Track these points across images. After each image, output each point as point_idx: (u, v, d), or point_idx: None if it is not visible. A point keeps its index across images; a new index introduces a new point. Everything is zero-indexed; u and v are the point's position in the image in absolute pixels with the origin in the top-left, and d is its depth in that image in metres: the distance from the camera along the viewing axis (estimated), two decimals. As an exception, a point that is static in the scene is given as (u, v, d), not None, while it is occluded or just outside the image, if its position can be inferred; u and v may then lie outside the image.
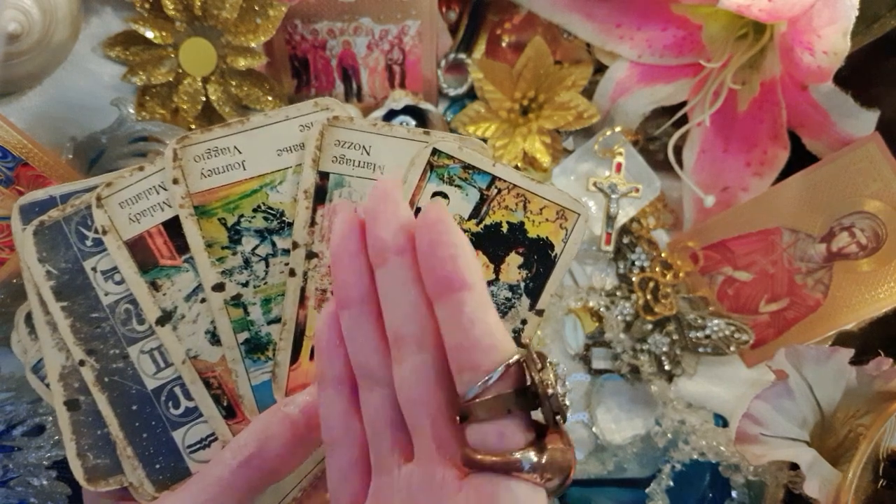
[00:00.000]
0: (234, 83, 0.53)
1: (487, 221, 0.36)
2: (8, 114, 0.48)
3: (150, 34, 0.50)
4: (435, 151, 0.35)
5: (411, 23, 0.55)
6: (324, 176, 0.36)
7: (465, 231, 0.35)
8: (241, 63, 0.51)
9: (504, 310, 0.36)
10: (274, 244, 0.36)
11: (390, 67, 0.57)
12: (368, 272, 0.29)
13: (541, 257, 0.36)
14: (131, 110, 0.52)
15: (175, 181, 0.35)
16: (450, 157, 0.35)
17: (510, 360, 0.26)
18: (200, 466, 0.35)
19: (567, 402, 0.27)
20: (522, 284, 0.36)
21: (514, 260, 0.36)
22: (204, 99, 0.52)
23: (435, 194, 0.36)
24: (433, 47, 0.56)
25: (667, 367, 0.56)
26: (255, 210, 0.36)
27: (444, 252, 0.26)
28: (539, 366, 0.27)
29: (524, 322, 0.36)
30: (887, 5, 0.52)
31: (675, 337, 0.56)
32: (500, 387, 0.26)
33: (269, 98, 0.54)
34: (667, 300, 0.56)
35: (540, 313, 0.36)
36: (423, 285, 0.28)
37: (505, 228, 0.36)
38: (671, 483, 0.56)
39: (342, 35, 0.55)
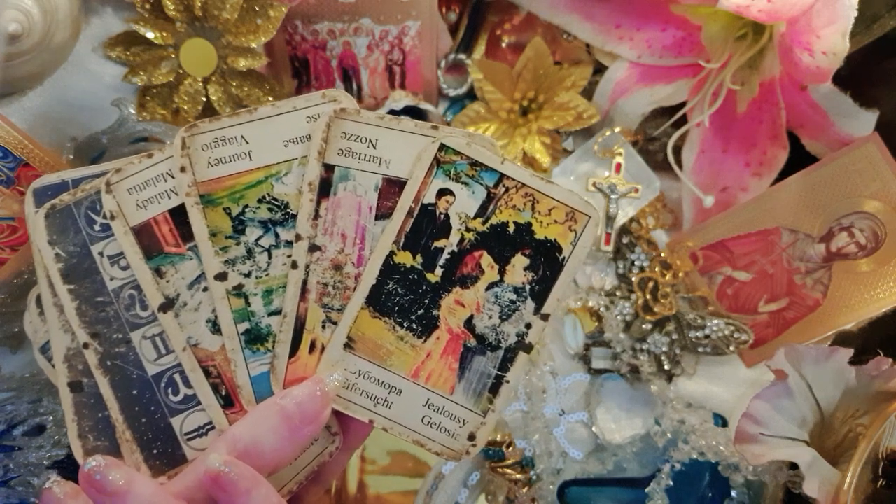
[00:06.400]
0: (234, 84, 0.53)
1: (494, 220, 0.35)
2: (9, 114, 0.48)
3: (150, 35, 0.51)
4: (442, 147, 0.35)
5: (411, 23, 0.55)
6: (329, 168, 0.35)
7: (470, 230, 0.35)
8: (242, 64, 0.52)
9: (508, 312, 0.35)
10: (277, 235, 0.36)
11: (390, 68, 0.57)
12: None
13: (548, 260, 0.35)
14: (132, 111, 0.52)
15: (182, 169, 0.35)
16: (457, 153, 0.35)
17: None
18: (197, 454, 0.36)
19: None
20: (528, 287, 0.35)
21: (520, 261, 0.35)
22: (204, 99, 0.52)
23: (441, 191, 0.35)
24: (433, 48, 0.56)
25: (666, 367, 0.56)
26: (259, 201, 0.36)
27: None
28: None
29: (528, 326, 0.35)
30: (887, 5, 0.52)
31: (675, 337, 0.56)
32: None
33: (270, 99, 0.54)
34: (666, 300, 0.56)
35: (545, 318, 0.35)
36: None
37: (512, 228, 0.35)
38: (671, 483, 0.56)
39: (342, 36, 0.55)
